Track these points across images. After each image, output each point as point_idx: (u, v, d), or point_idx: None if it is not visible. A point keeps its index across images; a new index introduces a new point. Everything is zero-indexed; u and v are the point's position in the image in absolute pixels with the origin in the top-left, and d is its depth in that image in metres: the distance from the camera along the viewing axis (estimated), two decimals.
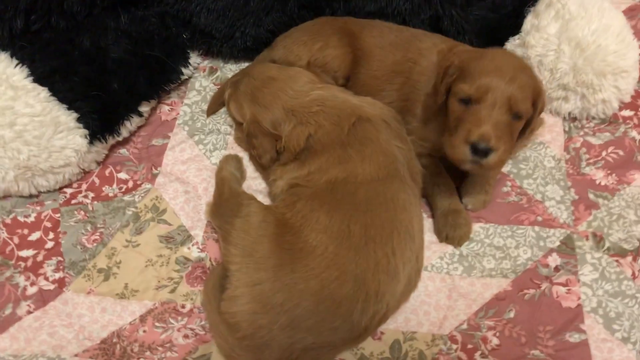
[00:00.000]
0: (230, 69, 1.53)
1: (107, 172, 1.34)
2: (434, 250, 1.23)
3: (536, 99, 1.12)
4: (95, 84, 1.28)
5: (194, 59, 1.50)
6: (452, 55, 1.18)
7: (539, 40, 1.38)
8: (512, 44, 1.45)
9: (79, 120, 1.25)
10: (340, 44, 1.30)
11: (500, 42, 1.46)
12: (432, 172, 1.25)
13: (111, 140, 1.33)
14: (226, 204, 1.16)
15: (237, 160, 1.31)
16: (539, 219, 1.27)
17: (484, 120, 1.06)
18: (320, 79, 1.26)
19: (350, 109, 1.18)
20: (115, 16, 1.37)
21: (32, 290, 1.16)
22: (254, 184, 1.32)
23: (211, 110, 1.44)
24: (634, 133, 1.40)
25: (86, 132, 1.26)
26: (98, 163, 1.34)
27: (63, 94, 1.25)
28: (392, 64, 1.29)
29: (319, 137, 1.16)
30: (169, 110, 1.46)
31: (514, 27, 1.45)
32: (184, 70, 1.45)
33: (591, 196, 1.30)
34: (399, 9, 1.38)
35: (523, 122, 1.12)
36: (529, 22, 1.44)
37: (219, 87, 1.48)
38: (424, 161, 1.25)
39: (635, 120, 1.43)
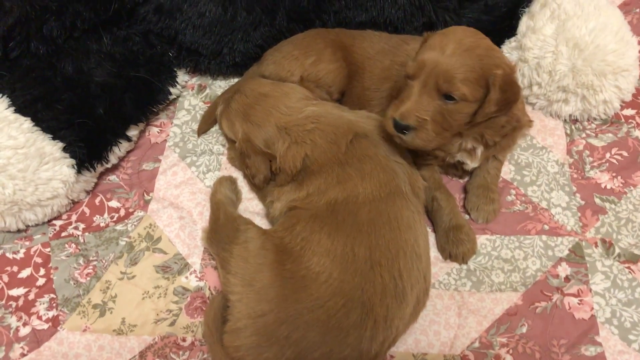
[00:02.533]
0: (219, 86, 1.49)
1: (97, 201, 1.29)
2: (440, 266, 1.19)
3: (488, 81, 1.04)
4: (80, 111, 1.24)
5: (182, 77, 1.45)
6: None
7: (535, 42, 1.34)
8: (508, 47, 1.41)
9: (64, 149, 1.20)
10: (334, 58, 1.26)
11: (496, 45, 1.42)
12: (430, 186, 1.21)
13: (100, 168, 1.28)
14: (222, 229, 1.12)
15: (232, 181, 1.26)
16: (546, 227, 1.23)
17: (408, 97, 1.05)
18: (314, 95, 1.22)
19: (347, 126, 1.13)
20: (97, 38, 1.32)
21: (25, 330, 1.11)
22: (251, 205, 1.28)
23: (202, 130, 1.39)
24: (637, 132, 1.37)
25: (73, 161, 1.21)
26: (87, 192, 1.30)
27: (47, 123, 1.20)
28: (380, 71, 1.25)
29: (315, 156, 1.12)
30: (158, 132, 1.41)
31: (509, 29, 1.42)
32: (171, 89, 1.40)
33: (597, 201, 1.27)
34: (391, 18, 1.34)
35: (467, 105, 1.05)
36: (524, 23, 1.40)
37: (208, 105, 1.43)
38: (422, 173, 1.21)
39: (638, 119, 1.39)
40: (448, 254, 1.18)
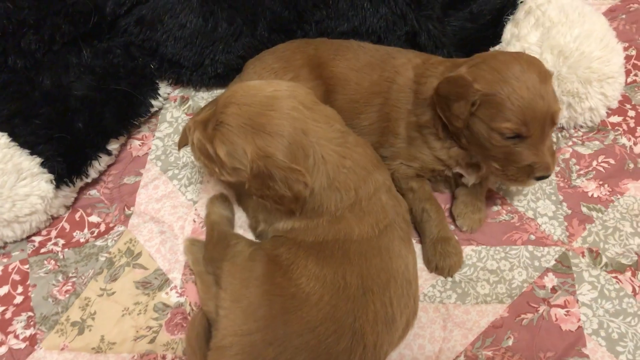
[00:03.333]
0: (202, 97, 1.47)
1: (77, 216, 1.27)
2: (425, 278, 1.17)
3: None
4: (59, 125, 1.22)
5: (164, 89, 1.44)
6: (461, 77, 1.07)
7: (519, 50, 1.33)
8: None
9: (43, 164, 1.18)
10: (311, 76, 1.24)
11: (480, 51, 1.41)
12: (420, 197, 1.19)
13: (79, 183, 1.26)
14: (215, 248, 1.10)
15: (224, 198, 1.24)
16: (532, 237, 1.21)
17: (542, 153, 1.06)
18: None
19: (370, 178, 1.03)
20: (77, 51, 1.31)
21: (1, 350, 1.09)
22: (239, 220, 1.26)
23: (182, 143, 1.38)
24: (623, 140, 1.36)
25: (51, 176, 1.19)
26: (67, 207, 1.28)
27: (24, 138, 1.18)
28: (369, 86, 1.23)
29: (337, 205, 1.00)
30: (139, 145, 1.39)
31: (494, 37, 1.40)
32: (153, 102, 1.39)
33: (584, 210, 1.25)
34: (374, 27, 1.33)
35: None
36: (508, 31, 1.39)
37: (191, 117, 1.42)
38: (412, 184, 1.20)
39: (624, 127, 1.38)
40: (435, 267, 1.17)
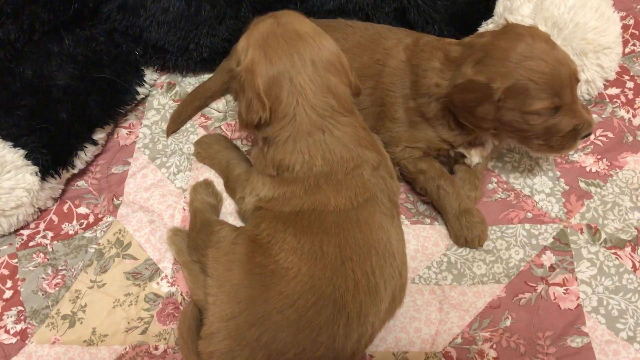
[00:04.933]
0: (189, 83, 1.44)
1: (65, 208, 1.25)
2: (420, 260, 1.15)
3: None
4: (42, 116, 1.19)
5: (150, 75, 1.41)
6: (474, 81, 1.04)
7: (512, 22, 1.29)
8: (485, 29, 1.36)
9: (27, 157, 1.16)
10: None
11: (472, 27, 1.37)
12: (432, 176, 1.17)
13: (66, 174, 1.24)
14: (198, 236, 1.08)
15: (207, 184, 1.22)
16: (529, 215, 1.19)
17: (579, 112, 1.05)
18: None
19: (350, 154, 1.00)
20: (58, 40, 1.28)
21: None
22: (224, 206, 1.23)
23: (171, 130, 1.35)
24: (622, 112, 1.32)
25: (36, 169, 1.16)
26: (55, 199, 1.26)
27: (6, 130, 1.16)
28: (360, 68, 1.19)
29: (298, 168, 0.99)
30: (127, 134, 1.37)
31: (486, 11, 1.36)
32: (139, 89, 1.36)
33: (582, 185, 1.22)
34: (361, 4, 1.29)
35: None
36: (501, 4, 1.35)
37: (178, 103, 1.39)
38: (421, 165, 1.18)
39: (623, 98, 1.34)
40: (464, 240, 1.14)
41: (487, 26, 1.36)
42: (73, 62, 1.26)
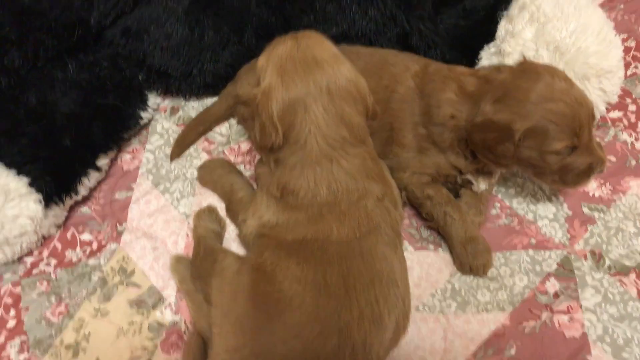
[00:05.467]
0: (193, 107, 1.44)
1: (69, 234, 1.25)
2: (424, 287, 1.15)
3: None
4: (46, 144, 1.20)
5: (153, 99, 1.41)
6: (495, 122, 1.05)
7: (515, 47, 1.29)
8: (488, 53, 1.35)
9: (30, 184, 1.16)
10: None
11: (475, 51, 1.37)
12: (439, 202, 1.17)
13: (69, 201, 1.24)
14: (202, 264, 1.08)
15: (211, 211, 1.22)
16: (533, 241, 1.19)
17: (595, 151, 1.06)
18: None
19: (356, 186, 1.00)
20: (62, 66, 1.28)
21: None
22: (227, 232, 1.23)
23: (175, 154, 1.35)
24: (624, 136, 1.32)
25: (40, 196, 1.16)
26: (58, 226, 1.26)
27: (10, 158, 1.16)
28: None
29: (308, 197, 0.99)
30: (130, 159, 1.37)
31: (488, 35, 1.36)
32: (142, 114, 1.36)
33: (586, 210, 1.22)
34: (363, 30, 1.29)
35: None
36: (503, 27, 1.34)
37: (182, 128, 1.39)
38: (429, 191, 1.18)
39: (625, 122, 1.34)
40: (469, 268, 1.14)
41: (490, 50, 1.35)
42: (77, 89, 1.27)
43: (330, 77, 0.99)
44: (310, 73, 0.98)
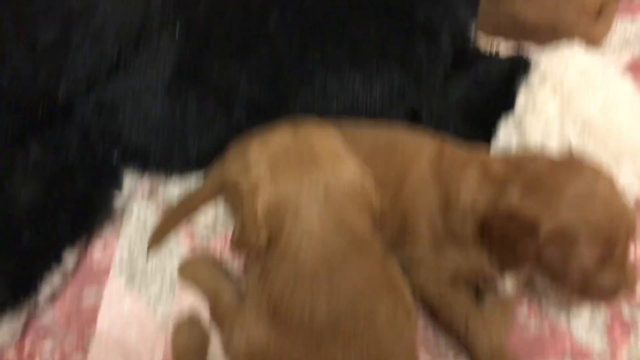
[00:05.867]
0: (175, 184, 1.28)
1: (26, 350, 1.07)
2: None
3: None
4: (1, 243, 1.03)
5: (129, 180, 1.25)
6: (520, 216, 0.90)
7: (536, 124, 1.15)
8: (506, 130, 1.21)
9: None
10: None
11: (490, 123, 1.23)
12: (459, 308, 1.01)
13: (28, 306, 1.07)
14: None
15: (192, 323, 1.05)
16: (567, 351, 1.02)
17: (626, 272, 0.93)
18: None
19: (368, 303, 0.86)
20: (24, 150, 1.12)
21: None
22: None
23: (154, 241, 1.19)
24: None
25: None
26: (13, 337, 1.07)
27: None
28: (376, 178, 1.04)
29: (304, 317, 0.83)
30: (101, 253, 1.20)
31: (505, 106, 1.22)
32: (116, 199, 1.20)
33: (626, 312, 1.06)
34: (368, 106, 1.15)
35: None
36: (522, 99, 1.21)
37: (161, 212, 1.23)
38: (446, 294, 1.02)
39: None
40: None
41: (507, 127, 1.21)
42: (40, 175, 1.10)
43: (329, 176, 0.84)
44: (305, 170, 0.84)
